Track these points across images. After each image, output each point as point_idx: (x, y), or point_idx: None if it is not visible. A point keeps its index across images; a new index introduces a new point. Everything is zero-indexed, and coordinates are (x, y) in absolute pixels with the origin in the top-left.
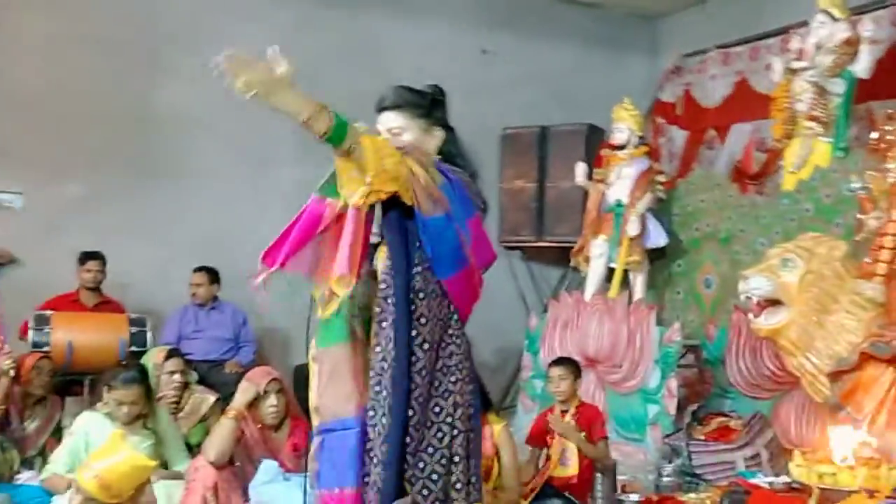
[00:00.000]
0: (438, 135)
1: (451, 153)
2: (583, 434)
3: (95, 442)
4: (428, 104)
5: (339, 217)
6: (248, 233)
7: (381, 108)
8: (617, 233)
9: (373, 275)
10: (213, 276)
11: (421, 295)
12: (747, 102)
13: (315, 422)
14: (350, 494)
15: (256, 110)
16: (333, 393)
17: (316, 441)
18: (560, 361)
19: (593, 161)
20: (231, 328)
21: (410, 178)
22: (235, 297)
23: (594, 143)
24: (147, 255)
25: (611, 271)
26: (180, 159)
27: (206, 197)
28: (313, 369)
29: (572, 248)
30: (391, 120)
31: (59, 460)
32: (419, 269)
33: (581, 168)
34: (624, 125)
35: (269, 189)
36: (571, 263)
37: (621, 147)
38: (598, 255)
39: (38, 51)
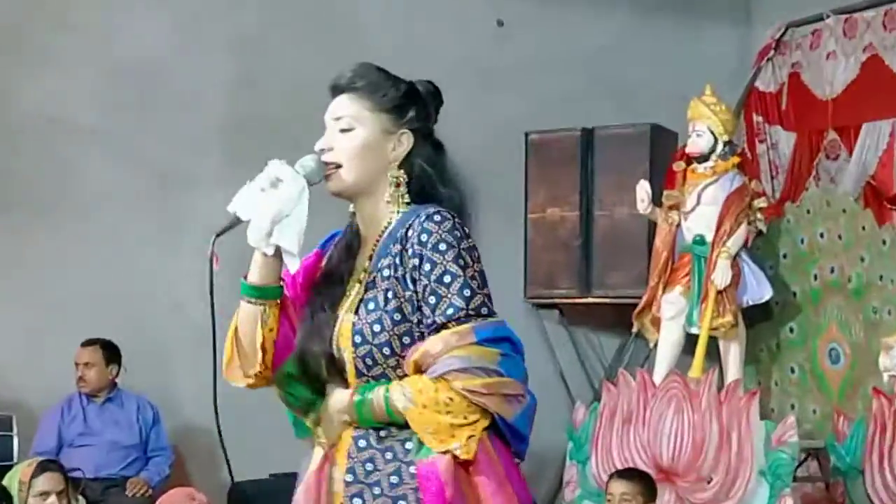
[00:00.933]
0: (405, 142)
1: (424, 172)
2: None
3: None
4: (400, 94)
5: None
6: (157, 286)
7: (334, 89)
8: (699, 284)
9: None
10: (109, 352)
11: None
12: (882, 90)
13: None
14: None
15: (166, 109)
16: None
17: None
18: (623, 475)
19: (662, 179)
20: (136, 430)
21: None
22: (142, 384)
23: (662, 153)
24: (9, 323)
25: (691, 339)
26: (56, 183)
27: (94, 237)
28: None
29: (634, 306)
30: (342, 106)
31: None
32: None
33: (644, 189)
34: (704, 126)
35: (187, 222)
36: (634, 328)
37: (702, 158)
38: (671, 315)
39: None
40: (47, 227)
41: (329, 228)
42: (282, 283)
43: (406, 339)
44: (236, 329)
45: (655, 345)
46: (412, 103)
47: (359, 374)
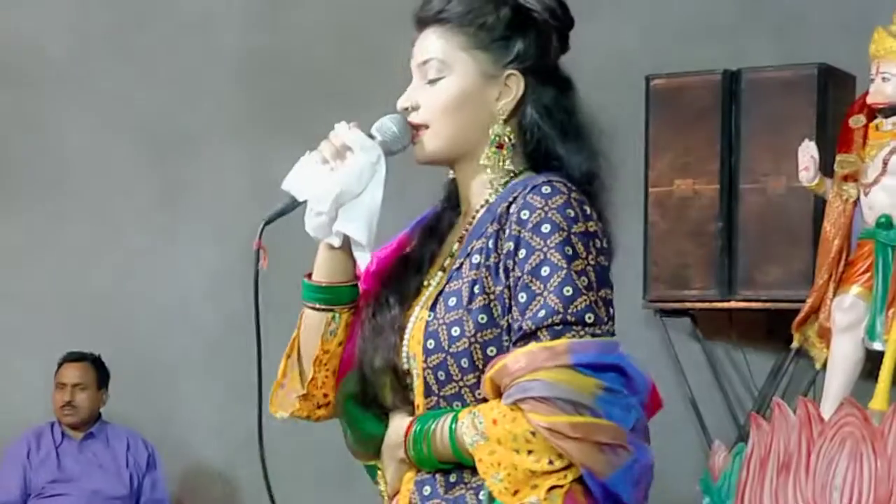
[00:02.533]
0: (513, 87)
1: (538, 127)
2: None
3: None
4: (503, 22)
5: None
6: (153, 282)
7: (420, 21)
8: (884, 282)
9: None
10: (100, 372)
11: None
12: None
13: None
14: None
15: (162, 46)
16: None
17: None
18: None
19: (834, 140)
20: (125, 476)
21: None
22: (133, 414)
23: (834, 104)
24: None
25: (873, 358)
26: (20, 148)
27: (71, 217)
28: None
29: (795, 312)
30: (428, 46)
31: None
32: None
33: (809, 154)
34: (894, 65)
35: (191, 197)
36: (794, 343)
37: (890, 111)
38: (845, 325)
39: None
40: (9, 205)
41: (422, 208)
42: (356, 281)
43: (491, 350)
44: (297, 345)
45: (824, 365)
46: (521, 32)
47: (427, 391)
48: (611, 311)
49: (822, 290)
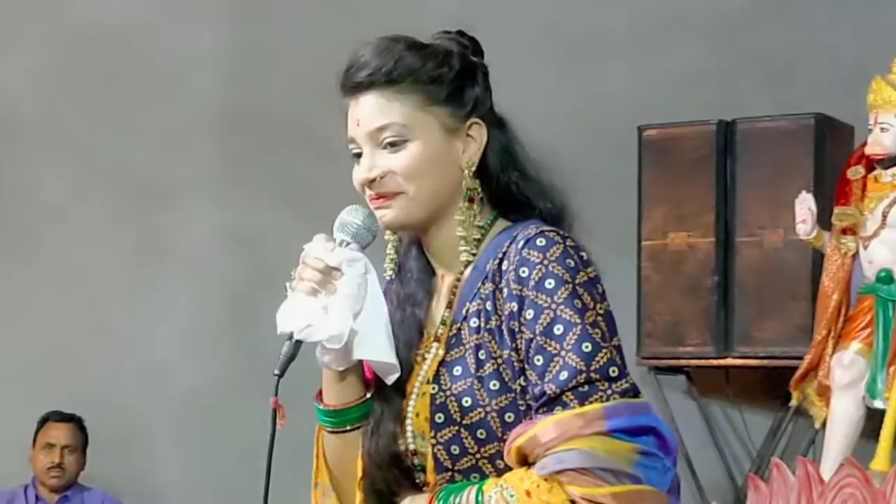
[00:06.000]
0: (476, 136)
1: (503, 172)
2: None
3: None
4: (455, 71)
5: None
6: (129, 340)
7: (354, 87)
8: (885, 339)
9: None
10: (82, 432)
11: None
12: None
13: None
14: None
15: (140, 96)
16: None
17: None
18: None
19: (832, 191)
20: None
21: None
22: (107, 475)
23: (832, 155)
24: None
25: (874, 417)
26: None
27: (43, 270)
28: None
29: (793, 370)
30: (379, 111)
31: None
32: None
33: (806, 206)
34: (892, 115)
35: (170, 249)
36: (792, 401)
37: (889, 161)
38: (846, 382)
39: None
40: None
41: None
42: (369, 392)
43: (509, 416)
44: (326, 468)
45: (823, 424)
46: (470, 79)
47: (440, 468)
48: (624, 358)
49: (820, 346)
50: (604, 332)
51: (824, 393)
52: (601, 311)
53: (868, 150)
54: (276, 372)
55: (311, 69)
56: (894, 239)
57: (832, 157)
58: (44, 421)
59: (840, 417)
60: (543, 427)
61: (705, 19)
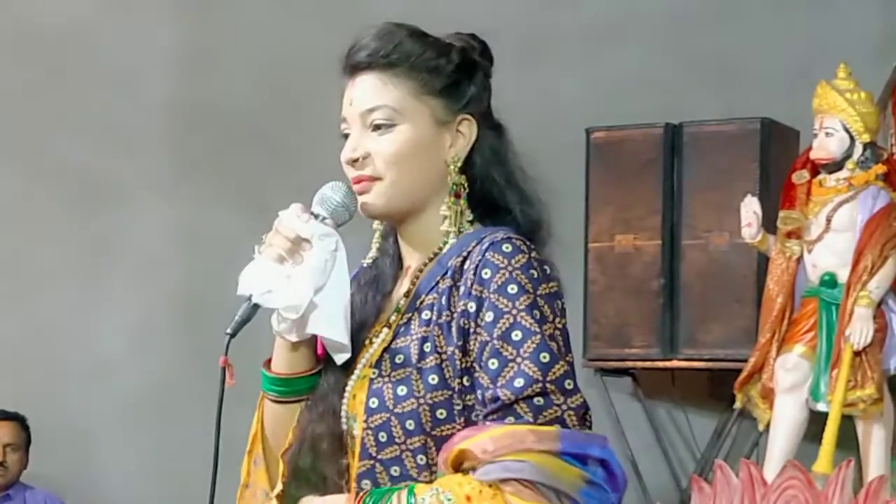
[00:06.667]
0: (466, 133)
1: (488, 173)
2: None
3: None
4: (454, 65)
5: None
6: (74, 340)
7: (353, 67)
8: (828, 342)
9: None
10: (22, 431)
11: None
12: None
13: None
14: None
15: (90, 94)
16: None
17: None
18: None
19: (777, 195)
20: None
21: None
22: (49, 474)
23: (777, 159)
24: None
25: (817, 420)
26: None
27: None
28: None
29: (737, 372)
30: (373, 92)
31: None
32: None
33: (752, 210)
34: (836, 122)
35: (117, 250)
36: (736, 403)
37: (833, 166)
38: (789, 386)
39: None
40: None
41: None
42: (320, 366)
43: (441, 413)
44: (261, 439)
45: (767, 427)
46: (468, 76)
47: (364, 454)
48: (576, 377)
49: (764, 349)
50: (560, 346)
51: (768, 395)
52: (559, 326)
53: (813, 155)
54: (228, 331)
55: (263, 68)
56: (838, 243)
57: (778, 161)
58: None
59: (783, 420)
60: (494, 435)
61: (653, 23)
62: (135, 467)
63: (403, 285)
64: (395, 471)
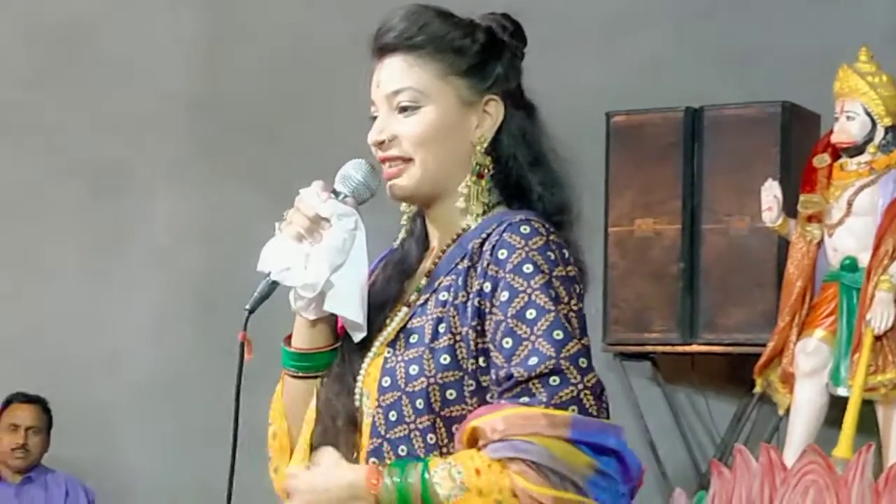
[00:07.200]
0: (493, 113)
1: (513, 155)
2: None
3: None
4: (479, 46)
5: None
6: (86, 327)
7: (380, 49)
8: (848, 326)
9: None
10: (47, 414)
11: None
12: None
13: None
14: None
15: (101, 83)
16: None
17: None
18: None
19: (798, 179)
20: None
21: None
22: (75, 459)
23: (798, 143)
24: None
25: (838, 404)
26: None
27: (7, 261)
28: None
29: (757, 356)
30: (399, 74)
31: None
32: None
33: (772, 193)
34: (858, 105)
35: (128, 238)
36: (756, 388)
37: (854, 150)
38: (809, 370)
39: None
40: None
41: (388, 234)
42: (338, 343)
43: (451, 393)
44: (285, 415)
45: (787, 411)
46: (495, 56)
47: (374, 432)
48: (591, 359)
49: (784, 333)
50: (574, 327)
51: (788, 380)
52: (574, 308)
53: (834, 139)
54: (247, 307)
55: (278, 55)
56: (859, 227)
57: (798, 145)
58: (8, 402)
59: (803, 404)
60: (506, 414)
61: (674, 6)
62: (155, 450)
63: (426, 266)
64: (402, 450)
